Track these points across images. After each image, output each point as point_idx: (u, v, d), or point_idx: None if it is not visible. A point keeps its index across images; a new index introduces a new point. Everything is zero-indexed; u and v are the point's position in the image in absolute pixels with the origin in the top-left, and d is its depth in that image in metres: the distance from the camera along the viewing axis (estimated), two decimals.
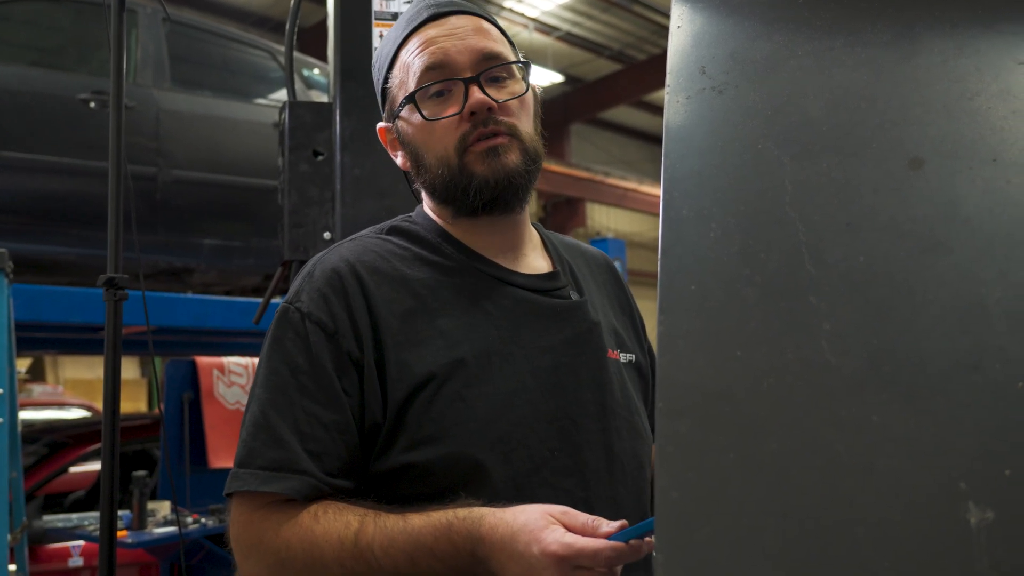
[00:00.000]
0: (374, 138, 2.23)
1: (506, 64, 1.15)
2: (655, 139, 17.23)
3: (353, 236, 1.21)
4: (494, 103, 1.11)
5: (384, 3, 2.24)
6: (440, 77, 1.12)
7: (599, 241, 10.29)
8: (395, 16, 2.24)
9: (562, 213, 15.96)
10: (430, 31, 1.15)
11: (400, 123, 1.18)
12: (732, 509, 0.57)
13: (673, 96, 0.76)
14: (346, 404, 1.05)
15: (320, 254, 1.17)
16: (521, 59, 1.18)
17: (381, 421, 1.06)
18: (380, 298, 1.09)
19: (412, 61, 1.15)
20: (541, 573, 0.89)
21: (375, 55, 1.25)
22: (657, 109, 15.82)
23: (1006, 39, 0.68)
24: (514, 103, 1.14)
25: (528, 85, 1.17)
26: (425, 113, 1.13)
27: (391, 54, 1.19)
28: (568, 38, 13.62)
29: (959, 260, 0.59)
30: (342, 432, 1.04)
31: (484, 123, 1.11)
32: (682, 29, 0.80)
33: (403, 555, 0.95)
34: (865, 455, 0.55)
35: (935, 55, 0.69)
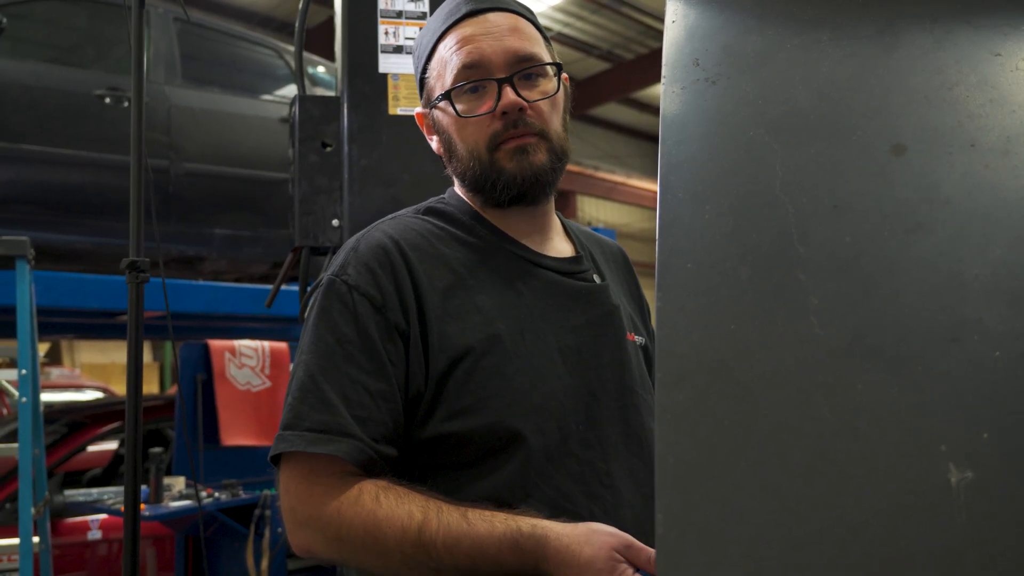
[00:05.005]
0: (380, 131, 2.24)
1: (539, 65, 1.15)
2: (643, 135, 17.15)
3: (392, 215, 1.21)
4: (525, 104, 1.11)
5: (389, 2, 2.23)
6: (475, 76, 1.12)
7: None
8: (399, 14, 2.23)
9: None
10: (468, 28, 1.14)
11: (436, 112, 1.18)
12: (726, 472, 0.58)
13: (669, 87, 0.76)
14: (391, 373, 1.05)
15: (361, 232, 1.17)
16: (554, 60, 1.18)
17: (423, 391, 1.06)
18: (422, 273, 1.09)
19: (449, 57, 1.14)
20: None
21: (415, 43, 1.25)
22: (644, 106, 15.75)
23: (983, 33, 0.69)
24: (545, 103, 1.14)
25: (560, 85, 1.17)
26: (459, 109, 1.13)
27: (430, 45, 1.18)
28: (560, 38, 13.57)
29: (939, 240, 0.60)
30: (387, 400, 1.04)
31: (515, 124, 1.11)
32: (677, 23, 0.81)
33: (466, 558, 0.95)
34: (851, 420, 0.56)
35: (916, 48, 0.69)
